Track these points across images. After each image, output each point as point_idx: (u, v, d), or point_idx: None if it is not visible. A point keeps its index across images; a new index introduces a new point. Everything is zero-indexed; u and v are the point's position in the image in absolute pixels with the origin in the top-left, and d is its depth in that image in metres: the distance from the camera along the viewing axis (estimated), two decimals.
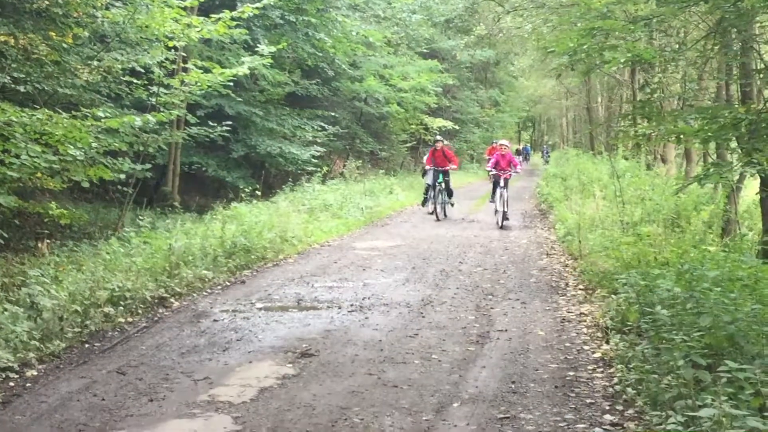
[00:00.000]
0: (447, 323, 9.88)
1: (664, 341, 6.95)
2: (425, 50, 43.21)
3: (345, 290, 12.16)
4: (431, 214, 22.90)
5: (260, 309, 10.82)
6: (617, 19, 12.42)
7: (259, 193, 20.50)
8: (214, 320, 10.10)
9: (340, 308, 10.83)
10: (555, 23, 20.57)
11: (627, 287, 9.41)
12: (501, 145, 22.26)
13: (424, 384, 7.33)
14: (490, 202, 22.19)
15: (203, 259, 13.14)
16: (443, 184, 22.36)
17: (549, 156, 68.37)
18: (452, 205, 23.15)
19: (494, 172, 21.22)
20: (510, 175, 21.15)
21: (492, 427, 6.17)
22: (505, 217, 20.67)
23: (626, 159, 29.30)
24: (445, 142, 22.86)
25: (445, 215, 22.63)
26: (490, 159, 37.53)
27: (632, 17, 13.04)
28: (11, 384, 7.48)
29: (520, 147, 71.34)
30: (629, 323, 8.70)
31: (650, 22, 12.45)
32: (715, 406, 5.28)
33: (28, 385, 7.49)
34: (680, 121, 11.48)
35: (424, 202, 23.89)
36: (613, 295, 10.09)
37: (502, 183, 20.60)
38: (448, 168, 22.45)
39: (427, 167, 22.95)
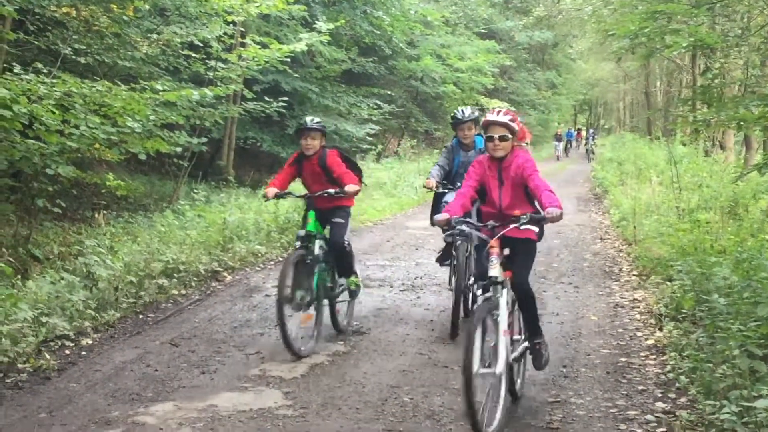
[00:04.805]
0: None
1: (719, 330, 6.85)
2: (483, 30, 42.99)
3: (397, 269, 12.16)
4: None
5: None
6: (680, 3, 12.23)
7: None
8: (266, 295, 10.15)
9: (392, 287, 10.83)
10: (616, 5, 20.35)
11: (682, 274, 9.32)
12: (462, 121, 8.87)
13: None
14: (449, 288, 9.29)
15: (256, 234, 13.23)
16: (320, 243, 7.98)
17: (594, 143, 49.84)
18: (356, 293, 8.69)
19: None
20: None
21: (542, 411, 6.12)
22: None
23: (684, 145, 28.96)
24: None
25: (350, 326, 8.76)
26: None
27: (695, 1, 12.84)
28: (67, 352, 7.59)
29: (560, 132, 51.39)
30: (684, 311, 8.60)
31: (714, 7, 12.27)
32: None
33: (83, 353, 7.60)
34: (741, 107, 11.26)
35: (441, 258, 9.35)
36: (667, 282, 9.99)
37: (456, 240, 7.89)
38: (338, 197, 8.24)
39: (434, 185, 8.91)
